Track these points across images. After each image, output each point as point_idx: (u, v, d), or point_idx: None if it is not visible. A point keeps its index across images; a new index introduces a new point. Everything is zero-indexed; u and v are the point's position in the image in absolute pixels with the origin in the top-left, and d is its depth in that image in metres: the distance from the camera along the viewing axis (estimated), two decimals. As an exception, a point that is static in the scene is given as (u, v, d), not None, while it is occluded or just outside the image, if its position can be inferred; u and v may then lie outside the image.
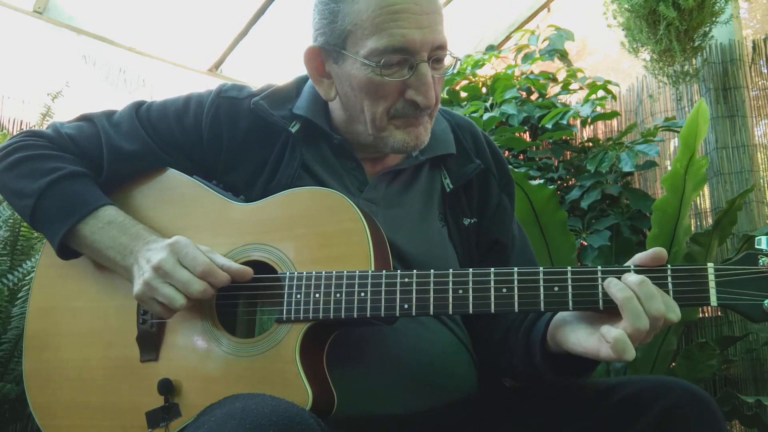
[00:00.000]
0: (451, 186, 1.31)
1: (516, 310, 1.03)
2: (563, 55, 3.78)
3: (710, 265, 0.98)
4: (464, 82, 3.62)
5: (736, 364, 2.95)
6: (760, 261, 0.98)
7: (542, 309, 1.03)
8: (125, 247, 1.17)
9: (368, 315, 1.07)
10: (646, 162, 3.14)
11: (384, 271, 1.08)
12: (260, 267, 1.15)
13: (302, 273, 1.11)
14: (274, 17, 3.97)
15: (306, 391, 1.04)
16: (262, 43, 4.17)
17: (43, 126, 2.44)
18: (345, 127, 1.28)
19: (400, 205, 1.28)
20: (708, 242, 2.54)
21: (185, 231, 1.20)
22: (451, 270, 1.07)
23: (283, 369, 1.07)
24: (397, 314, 1.06)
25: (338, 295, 1.08)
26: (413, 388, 1.16)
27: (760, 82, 3.24)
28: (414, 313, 1.06)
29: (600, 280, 1.01)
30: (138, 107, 1.33)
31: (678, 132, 2.63)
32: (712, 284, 0.98)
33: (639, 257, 1.02)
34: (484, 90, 3.56)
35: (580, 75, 3.47)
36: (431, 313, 1.06)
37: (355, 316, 1.07)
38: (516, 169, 2.64)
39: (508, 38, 4.29)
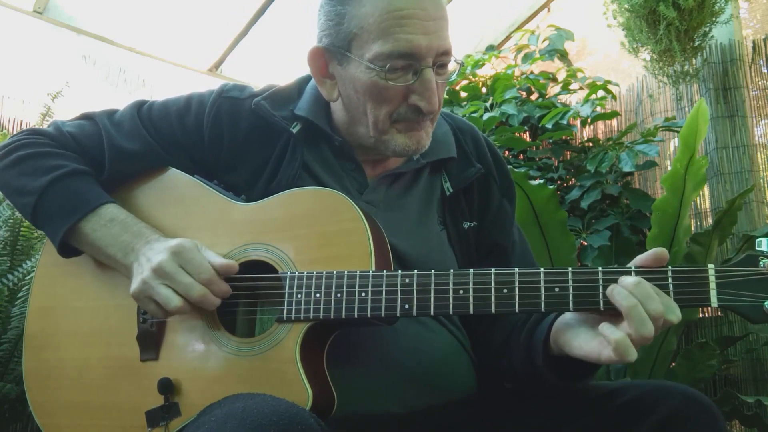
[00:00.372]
0: (450, 189, 1.31)
1: (517, 310, 1.03)
2: (563, 55, 3.78)
3: (711, 266, 0.98)
4: (464, 82, 3.62)
5: (736, 364, 2.95)
6: (761, 262, 0.98)
7: (543, 310, 1.03)
8: (126, 245, 1.17)
9: (369, 315, 1.07)
10: (646, 162, 3.14)
11: (385, 271, 1.08)
12: (261, 267, 1.15)
13: (303, 273, 1.11)
14: (274, 17, 3.97)
15: (306, 390, 1.04)
16: (262, 43, 4.17)
17: (43, 126, 2.44)
18: (346, 128, 1.28)
19: (400, 209, 1.28)
20: (708, 242, 2.54)
21: (186, 231, 1.20)
22: (452, 270, 1.07)
23: (284, 369, 1.07)
24: (398, 314, 1.06)
25: (339, 295, 1.08)
26: (413, 387, 1.16)
27: (760, 82, 3.24)
28: (415, 313, 1.06)
29: (601, 281, 1.01)
30: (139, 106, 1.33)
31: (678, 132, 2.63)
32: (712, 285, 0.98)
33: (641, 258, 1.02)
34: (484, 90, 3.56)
35: (580, 75, 3.48)
36: (432, 313, 1.06)
37: (356, 316, 1.07)
38: (516, 169, 2.64)
39: (508, 38, 4.29)
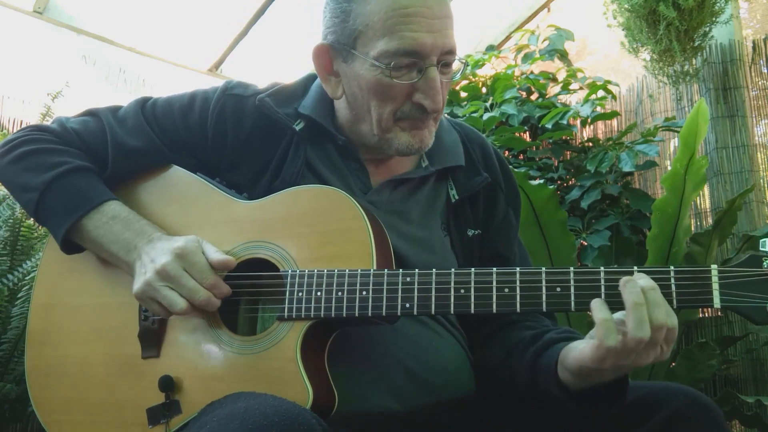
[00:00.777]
0: (456, 197, 1.31)
1: (518, 310, 1.03)
2: (563, 55, 3.78)
3: (714, 266, 0.98)
4: (464, 82, 3.62)
5: (736, 364, 2.95)
6: (764, 263, 0.97)
7: (544, 309, 1.03)
8: (129, 242, 1.17)
9: (370, 314, 1.07)
10: (646, 162, 3.14)
11: (386, 270, 1.08)
12: (262, 265, 1.15)
13: (304, 271, 1.11)
14: (274, 17, 3.97)
15: (307, 389, 1.04)
16: (262, 43, 4.17)
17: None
18: (350, 127, 1.28)
19: (402, 212, 1.28)
20: (708, 242, 2.54)
21: (188, 228, 1.20)
22: (453, 270, 1.07)
23: (284, 367, 1.07)
24: (399, 313, 1.06)
25: (340, 293, 1.08)
26: (413, 386, 1.16)
27: (760, 82, 3.24)
28: (415, 312, 1.06)
29: (603, 281, 1.01)
30: (143, 103, 1.33)
31: (678, 132, 2.63)
32: (715, 286, 0.97)
33: None
34: (484, 90, 3.56)
35: (580, 75, 3.48)
36: (433, 312, 1.06)
37: (357, 314, 1.07)
38: (516, 169, 2.64)
39: (508, 38, 4.29)
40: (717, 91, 3.14)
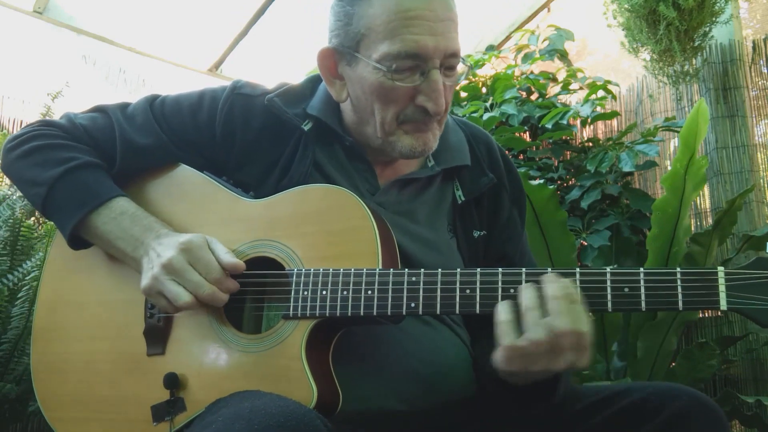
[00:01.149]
0: (463, 198, 1.31)
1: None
2: (563, 55, 3.78)
3: (720, 268, 0.98)
4: (464, 82, 3.62)
5: (736, 364, 2.95)
6: None
7: None
8: (136, 239, 1.18)
9: (375, 313, 1.07)
10: (646, 162, 3.14)
11: (391, 269, 1.08)
12: (268, 263, 1.15)
13: (310, 270, 1.11)
14: (274, 17, 3.97)
15: (311, 388, 1.04)
16: (262, 43, 4.17)
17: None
18: (355, 129, 1.28)
19: (410, 213, 1.28)
20: (708, 242, 2.54)
21: (194, 226, 1.21)
22: (458, 269, 1.07)
23: (289, 365, 1.07)
24: (404, 313, 1.07)
25: (345, 292, 1.08)
26: (417, 387, 1.16)
27: (760, 82, 3.24)
28: (421, 312, 1.06)
29: (609, 282, 1.01)
30: (152, 101, 1.33)
31: (678, 132, 2.63)
32: (722, 288, 0.97)
33: None
34: (484, 90, 3.56)
35: (580, 75, 3.48)
36: (438, 312, 1.06)
37: (362, 314, 1.07)
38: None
39: (508, 38, 4.29)
40: (717, 91, 3.14)
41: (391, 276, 1.07)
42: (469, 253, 1.31)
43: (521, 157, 3.41)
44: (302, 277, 1.11)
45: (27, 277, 2.14)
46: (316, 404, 1.03)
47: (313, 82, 1.35)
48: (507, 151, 3.34)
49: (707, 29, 3.06)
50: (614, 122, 3.71)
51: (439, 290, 1.06)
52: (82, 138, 1.30)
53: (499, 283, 1.04)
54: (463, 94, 3.53)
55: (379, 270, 1.08)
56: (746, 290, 0.97)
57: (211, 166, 1.29)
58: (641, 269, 1.00)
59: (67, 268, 1.30)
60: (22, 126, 3.38)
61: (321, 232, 1.14)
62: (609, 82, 3.35)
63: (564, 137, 3.39)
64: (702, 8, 2.96)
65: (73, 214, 1.21)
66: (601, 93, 3.35)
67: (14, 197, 2.38)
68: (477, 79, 3.61)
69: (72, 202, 1.22)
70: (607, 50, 4.58)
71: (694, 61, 3.14)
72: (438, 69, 1.16)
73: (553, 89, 3.59)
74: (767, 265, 0.97)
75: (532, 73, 3.62)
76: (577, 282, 1.01)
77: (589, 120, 3.36)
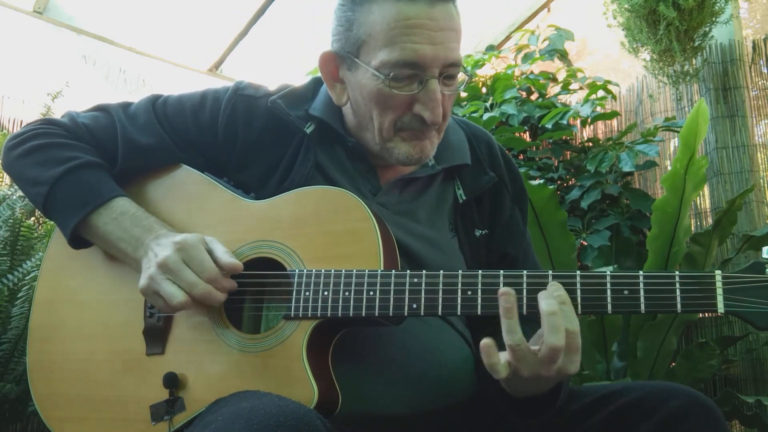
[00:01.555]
0: (464, 197, 1.31)
1: (524, 312, 1.03)
2: (563, 55, 3.78)
3: (718, 272, 0.99)
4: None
5: (736, 364, 2.95)
6: (767, 270, 0.98)
7: None
8: (137, 239, 1.17)
9: (376, 314, 1.07)
10: (646, 162, 3.14)
11: (393, 270, 1.08)
12: (269, 264, 1.15)
13: (311, 270, 1.11)
14: (274, 17, 3.97)
15: (312, 388, 1.04)
16: (262, 43, 4.17)
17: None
18: (356, 132, 1.28)
19: (411, 213, 1.28)
20: (708, 242, 2.54)
21: (195, 227, 1.21)
22: (460, 271, 1.07)
23: (290, 366, 1.07)
24: (406, 314, 1.07)
25: (347, 293, 1.08)
26: (417, 389, 1.16)
27: (760, 82, 3.24)
28: (422, 313, 1.06)
29: (609, 284, 1.01)
30: (154, 101, 1.33)
31: (678, 132, 2.63)
32: (719, 291, 0.99)
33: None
34: (484, 90, 3.57)
35: (580, 75, 3.48)
36: (440, 313, 1.06)
37: (363, 314, 1.07)
38: (516, 169, 2.64)
39: (508, 38, 4.29)
40: (717, 91, 3.14)
41: (392, 277, 1.07)
42: (471, 252, 1.31)
43: (521, 157, 3.41)
44: (304, 277, 1.11)
45: (27, 277, 2.14)
46: (316, 404, 1.03)
47: (316, 83, 1.36)
48: (507, 152, 3.35)
49: (707, 29, 3.06)
50: (614, 122, 3.71)
51: (440, 291, 1.06)
52: (83, 137, 1.29)
53: (501, 285, 1.04)
54: (463, 94, 3.53)
55: (381, 271, 1.08)
56: (743, 294, 0.98)
57: (212, 166, 1.29)
58: (640, 272, 1.01)
59: (65, 267, 1.30)
60: (22, 126, 3.39)
61: (322, 233, 1.14)
62: (609, 82, 3.35)
63: (564, 137, 3.39)
64: (702, 8, 2.96)
65: (75, 213, 1.21)
66: (601, 93, 3.36)
67: (14, 197, 2.38)
68: (477, 79, 3.61)
69: (73, 202, 1.22)
70: (607, 50, 4.58)
71: (694, 61, 3.14)
72: (436, 78, 1.16)
73: (553, 89, 3.59)
74: (763, 269, 0.99)
75: (532, 73, 3.62)
76: (577, 285, 1.02)
77: (589, 120, 3.36)
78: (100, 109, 1.34)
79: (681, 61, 3.08)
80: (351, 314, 1.08)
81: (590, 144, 3.46)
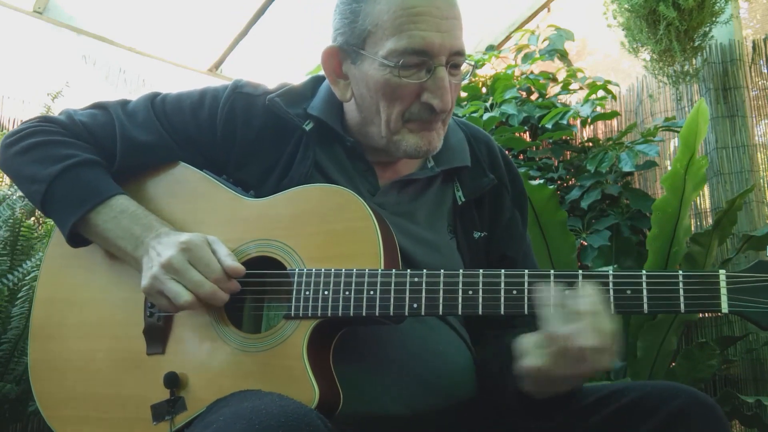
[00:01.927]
0: (463, 199, 1.31)
1: (525, 312, 1.03)
2: (563, 55, 3.78)
3: (722, 271, 0.99)
4: (464, 82, 3.62)
5: (736, 364, 2.95)
6: None
7: None
8: (136, 237, 1.17)
9: (377, 313, 1.07)
10: (646, 162, 3.14)
11: (393, 270, 1.08)
12: (269, 263, 1.15)
13: (311, 270, 1.11)
14: (274, 17, 3.97)
15: (313, 388, 1.04)
16: (262, 43, 4.17)
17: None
18: (358, 129, 1.28)
19: (409, 214, 1.28)
20: (708, 242, 2.54)
21: (194, 225, 1.20)
22: (461, 270, 1.07)
23: (291, 365, 1.07)
24: (406, 313, 1.06)
25: (347, 292, 1.08)
26: (417, 389, 1.16)
27: (760, 82, 3.24)
28: (423, 313, 1.06)
29: (611, 284, 1.01)
30: (153, 98, 1.33)
31: (678, 132, 2.63)
32: (723, 291, 0.98)
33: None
34: (484, 90, 3.56)
35: (580, 75, 3.48)
36: (440, 313, 1.06)
37: (364, 314, 1.07)
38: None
39: (508, 38, 4.29)
40: (717, 91, 3.14)
41: (393, 276, 1.07)
42: (470, 254, 1.31)
43: (521, 157, 3.41)
44: (304, 277, 1.11)
45: (27, 277, 2.14)
46: (317, 404, 1.03)
47: (315, 82, 1.35)
48: (507, 151, 3.35)
49: (707, 29, 3.06)
50: (614, 122, 3.71)
51: (441, 291, 1.06)
52: (81, 135, 1.29)
53: (502, 284, 1.04)
54: (463, 94, 3.53)
55: (381, 270, 1.08)
56: (747, 293, 0.97)
57: (211, 164, 1.29)
58: (643, 271, 1.01)
59: (66, 266, 1.29)
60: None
61: (322, 231, 1.14)
62: (609, 82, 3.35)
63: (564, 137, 3.39)
64: (702, 8, 2.96)
65: (73, 212, 1.20)
66: (601, 93, 3.35)
67: (14, 197, 2.38)
68: (477, 79, 3.61)
69: (71, 200, 1.21)
70: (607, 50, 4.58)
71: (694, 61, 3.14)
72: (444, 66, 1.16)
73: (553, 89, 3.59)
74: (767, 269, 0.98)
75: (532, 73, 3.62)
76: (579, 285, 1.01)
77: (589, 120, 3.36)
78: (99, 106, 1.34)
79: (681, 61, 3.08)
80: (351, 314, 1.07)
81: (590, 144, 3.45)
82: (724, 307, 0.97)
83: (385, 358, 1.16)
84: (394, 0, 1.15)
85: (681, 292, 0.99)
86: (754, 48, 3.25)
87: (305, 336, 1.08)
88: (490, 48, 4.05)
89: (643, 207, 2.98)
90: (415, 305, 1.06)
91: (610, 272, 1.02)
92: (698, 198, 3.20)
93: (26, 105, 3.47)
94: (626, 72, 4.38)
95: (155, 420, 1.13)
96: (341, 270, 1.09)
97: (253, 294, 1.17)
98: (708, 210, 3.19)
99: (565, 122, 3.25)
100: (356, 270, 1.08)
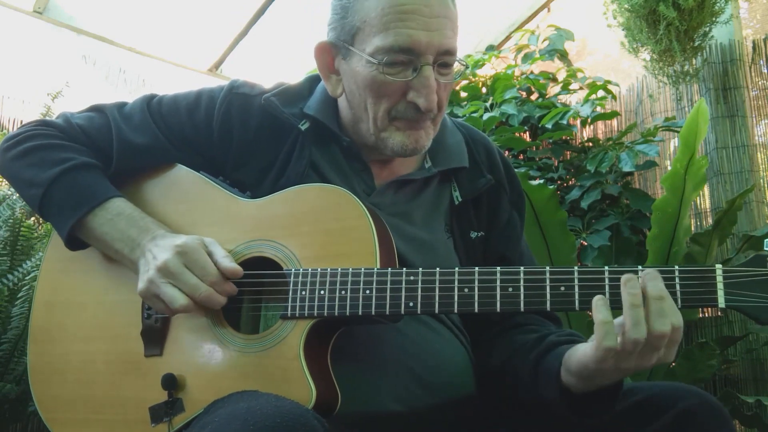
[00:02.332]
0: (459, 199, 1.31)
1: (522, 309, 1.03)
2: (563, 55, 3.78)
3: (718, 266, 0.98)
4: (464, 82, 3.62)
5: (736, 364, 2.95)
6: None
7: (548, 308, 1.03)
8: (133, 240, 1.17)
9: (373, 313, 1.07)
10: (646, 162, 3.14)
11: (389, 269, 1.08)
12: (265, 263, 1.15)
13: (308, 270, 1.11)
14: (274, 17, 3.97)
15: (310, 388, 1.04)
16: (262, 43, 4.17)
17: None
18: (352, 127, 1.28)
19: (406, 214, 1.28)
20: (708, 242, 2.54)
21: (191, 227, 1.21)
22: (457, 268, 1.07)
23: (288, 366, 1.07)
24: (402, 312, 1.06)
25: (343, 292, 1.08)
26: (415, 387, 1.16)
27: (760, 82, 3.24)
28: (419, 311, 1.06)
29: (607, 280, 1.00)
30: (149, 100, 1.33)
31: (678, 132, 2.63)
32: (720, 286, 0.97)
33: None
34: (484, 90, 3.56)
35: (580, 75, 3.48)
36: (436, 311, 1.06)
37: (360, 313, 1.07)
38: (516, 169, 2.64)
39: (508, 38, 4.29)
40: (717, 91, 3.14)
41: (389, 275, 1.07)
42: (467, 254, 1.31)
43: (521, 157, 3.41)
44: (300, 276, 1.11)
45: (27, 277, 2.14)
46: (315, 404, 1.03)
47: (311, 81, 1.35)
48: (507, 152, 3.35)
49: (707, 29, 3.06)
50: (614, 122, 3.71)
51: (437, 289, 1.06)
52: (78, 138, 1.29)
53: (498, 282, 1.04)
54: (463, 94, 3.53)
55: (377, 269, 1.08)
56: (744, 288, 0.97)
57: (208, 165, 1.29)
58: (639, 267, 1.00)
59: (64, 268, 1.30)
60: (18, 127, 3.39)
61: (318, 231, 1.14)
62: (609, 82, 3.35)
63: (564, 137, 3.39)
64: (702, 8, 2.96)
65: (70, 215, 1.21)
66: (601, 93, 3.35)
67: (14, 197, 2.38)
68: (477, 79, 3.61)
69: (69, 204, 1.22)
70: (607, 50, 4.58)
71: (694, 61, 3.14)
72: (431, 65, 1.16)
73: (553, 89, 3.59)
74: (764, 263, 0.97)
75: (532, 73, 3.62)
76: (575, 281, 1.01)
77: (589, 120, 3.36)
78: (95, 109, 1.34)
79: (681, 61, 3.08)
80: (348, 313, 1.08)
81: (590, 144, 3.45)
82: (721, 302, 0.96)
83: (383, 357, 1.16)
84: None
85: (677, 287, 0.98)
86: (754, 48, 3.25)
87: (302, 336, 1.08)
88: (490, 48, 4.05)
89: (643, 207, 2.98)
90: (411, 304, 1.06)
91: (606, 269, 1.00)
92: (698, 198, 3.20)
93: (26, 105, 3.47)
94: (626, 72, 4.38)
95: (154, 422, 1.13)
96: (337, 269, 1.09)
97: (250, 295, 1.17)
98: (708, 210, 3.19)
99: (565, 122, 3.24)
100: (352, 269, 1.08)
